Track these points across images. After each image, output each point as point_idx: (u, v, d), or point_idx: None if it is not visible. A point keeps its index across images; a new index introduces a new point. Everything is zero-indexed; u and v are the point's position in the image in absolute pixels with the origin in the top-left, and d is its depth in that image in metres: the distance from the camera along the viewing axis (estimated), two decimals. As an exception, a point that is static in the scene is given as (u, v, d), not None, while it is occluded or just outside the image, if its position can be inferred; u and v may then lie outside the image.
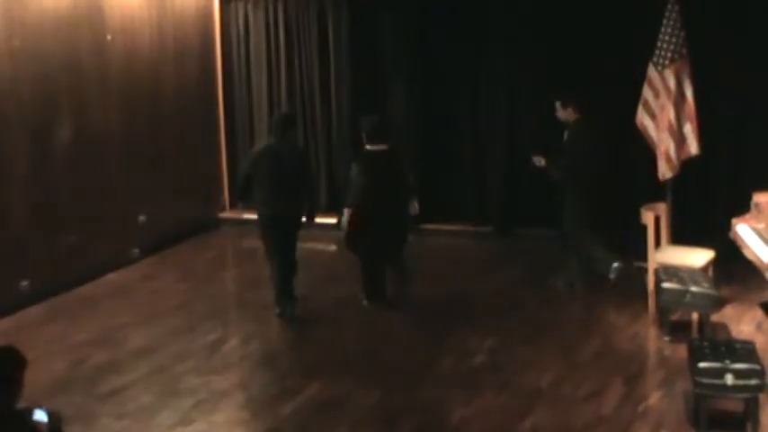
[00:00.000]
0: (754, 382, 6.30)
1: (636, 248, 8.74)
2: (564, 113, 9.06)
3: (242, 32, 11.72)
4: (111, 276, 9.96)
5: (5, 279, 8.83)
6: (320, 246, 10.86)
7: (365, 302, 9.00)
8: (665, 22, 8.63)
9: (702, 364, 6.39)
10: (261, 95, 11.65)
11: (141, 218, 10.51)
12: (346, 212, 8.89)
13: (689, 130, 8.75)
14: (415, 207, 8.99)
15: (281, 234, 8.69)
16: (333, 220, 11.20)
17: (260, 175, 8.60)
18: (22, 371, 4.27)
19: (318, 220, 10.50)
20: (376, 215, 8.74)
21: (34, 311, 8.98)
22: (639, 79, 8.88)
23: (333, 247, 10.75)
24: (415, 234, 10.99)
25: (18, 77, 8.96)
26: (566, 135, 9.07)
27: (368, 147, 8.85)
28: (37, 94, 9.18)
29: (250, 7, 11.65)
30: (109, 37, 10.02)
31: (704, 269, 8.42)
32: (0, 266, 8.76)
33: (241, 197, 9.10)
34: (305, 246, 10.14)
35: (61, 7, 9.40)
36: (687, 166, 8.92)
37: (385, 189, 8.74)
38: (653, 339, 8.19)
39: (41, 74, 9.20)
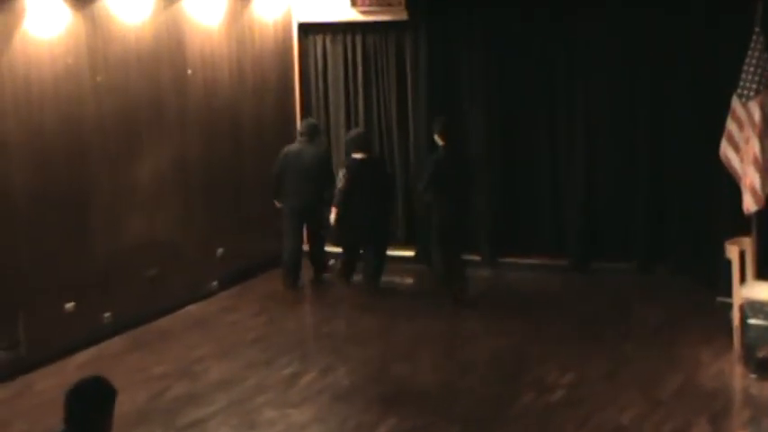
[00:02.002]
0: None
1: (721, 283, 8.58)
2: (437, 138, 10.08)
3: (320, 66, 11.82)
4: (190, 309, 10.05)
5: (89, 311, 8.97)
6: (396, 279, 10.85)
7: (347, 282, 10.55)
8: (749, 53, 8.46)
9: (792, 404, 6.21)
10: (339, 129, 11.71)
11: (219, 251, 10.60)
12: (333, 211, 10.26)
13: (775, 162, 8.56)
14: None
15: (295, 223, 10.49)
16: (409, 253, 11.22)
17: (287, 170, 10.40)
18: (112, 401, 4.28)
19: (395, 252, 10.75)
20: (357, 212, 10.17)
21: (116, 343, 9.10)
22: (723, 111, 8.73)
23: (409, 281, 10.72)
24: (491, 267, 11.05)
25: (101, 112, 9.14)
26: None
27: (353, 155, 10.36)
28: (119, 127, 9.34)
29: (328, 41, 11.75)
30: (189, 71, 10.17)
31: (792, 305, 8.21)
32: (84, 298, 8.90)
33: (275, 190, 10.57)
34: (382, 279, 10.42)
35: (143, 43, 9.58)
36: (773, 200, 8.73)
37: (365, 190, 10.16)
38: (738, 377, 8.00)
39: (124, 108, 9.37)
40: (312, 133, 10.65)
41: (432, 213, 10.13)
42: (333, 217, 10.31)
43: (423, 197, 10.26)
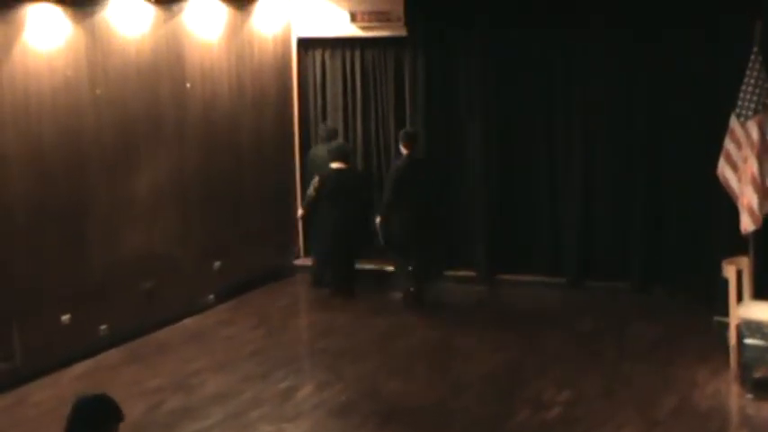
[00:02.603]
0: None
1: (718, 303, 8.58)
2: (402, 147, 10.51)
3: (319, 81, 11.84)
4: (186, 322, 10.03)
5: (85, 322, 8.96)
6: (393, 294, 10.84)
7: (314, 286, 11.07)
8: (747, 72, 8.48)
9: (788, 424, 6.21)
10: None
11: (216, 264, 10.59)
12: (300, 210, 11.15)
13: (773, 182, 8.56)
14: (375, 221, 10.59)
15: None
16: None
17: (310, 171, 11.09)
18: (113, 424, 4.20)
19: (391, 268, 11.02)
20: (327, 221, 10.65)
21: (112, 355, 9.09)
22: (721, 130, 8.74)
23: (400, 296, 10.72)
24: (487, 283, 11.05)
25: (100, 124, 9.15)
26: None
27: (331, 165, 10.67)
28: (118, 140, 9.35)
29: (327, 56, 11.77)
30: (188, 85, 10.18)
31: (789, 325, 8.20)
32: (80, 310, 8.89)
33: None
34: (375, 296, 10.51)
35: (143, 56, 9.59)
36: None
37: (338, 200, 10.57)
38: (735, 397, 7.99)
39: (123, 120, 9.38)
40: (332, 137, 11.15)
41: (391, 220, 10.42)
42: (299, 215, 11.24)
43: (386, 205, 10.46)
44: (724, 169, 8.73)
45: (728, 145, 8.67)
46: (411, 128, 10.92)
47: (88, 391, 4.42)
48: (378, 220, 10.47)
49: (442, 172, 10.97)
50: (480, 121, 11.04)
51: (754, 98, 8.47)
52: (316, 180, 10.73)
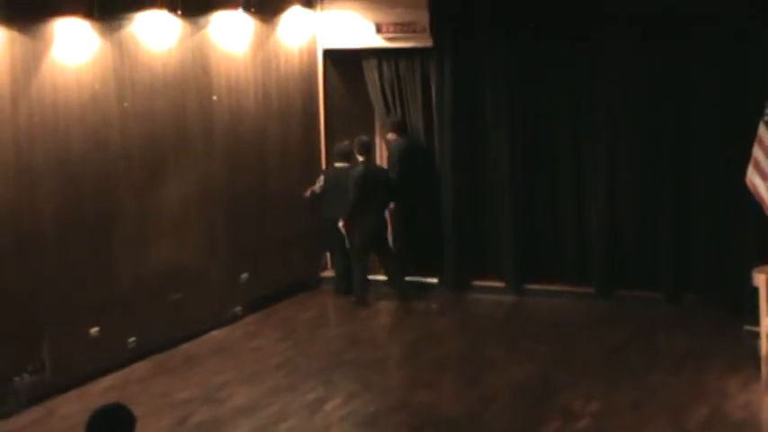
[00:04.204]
0: None
1: (748, 312, 8.50)
2: (357, 155, 10.94)
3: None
4: (214, 334, 10.05)
5: (114, 335, 8.99)
6: (421, 305, 10.83)
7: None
8: (776, 79, 8.45)
9: (822, 435, 6.13)
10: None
11: (244, 276, 10.61)
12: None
13: (802, 190, 8.49)
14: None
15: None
16: (433, 280, 11.21)
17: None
18: (129, 429, 4.26)
19: (418, 278, 11.00)
20: (335, 218, 10.83)
21: (141, 367, 9.11)
22: (750, 137, 8.68)
23: (433, 306, 10.69)
24: (516, 293, 11.01)
25: (128, 137, 9.19)
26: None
27: (335, 164, 11.16)
28: (146, 153, 9.39)
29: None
30: (215, 97, 10.22)
31: (820, 334, 8.12)
32: (109, 323, 8.93)
33: None
34: (403, 306, 10.49)
35: (170, 69, 9.64)
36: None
37: (340, 198, 10.78)
38: (767, 407, 7.90)
39: (150, 133, 9.42)
40: (403, 128, 11.42)
41: (353, 228, 10.79)
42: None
43: (350, 210, 10.75)
44: (753, 177, 8.67)
45: (757, 153, 8.61)
46: (366, 137, 11.17)
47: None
48: (341, 224, 10.76)
49: (393, 179, 11.16)
50: (506, 130, 11.00)
51: (783, 105, 8.42)
52: (319, 180, 11.18)
